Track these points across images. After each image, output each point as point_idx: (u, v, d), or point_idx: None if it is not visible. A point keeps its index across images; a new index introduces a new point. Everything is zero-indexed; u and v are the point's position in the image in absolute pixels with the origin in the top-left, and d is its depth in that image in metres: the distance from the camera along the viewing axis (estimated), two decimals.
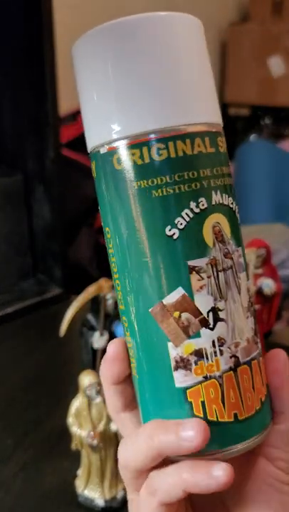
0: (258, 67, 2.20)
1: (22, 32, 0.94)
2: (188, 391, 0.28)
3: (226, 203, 0.29)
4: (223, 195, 0.29)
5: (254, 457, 0.31)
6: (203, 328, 0.28)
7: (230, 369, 0.28)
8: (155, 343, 0.29)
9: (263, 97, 2.25)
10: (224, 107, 2.32)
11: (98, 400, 0.53)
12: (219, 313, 0.28)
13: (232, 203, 0.29)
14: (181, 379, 0.28)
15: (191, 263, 0.28)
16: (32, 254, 1.07)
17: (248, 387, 0.29)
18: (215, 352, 0.28)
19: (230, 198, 0.29)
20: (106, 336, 0.68)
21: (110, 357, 0.30)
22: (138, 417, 0.31)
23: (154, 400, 0.29)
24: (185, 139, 0.28)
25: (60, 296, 1.03)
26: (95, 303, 0.68)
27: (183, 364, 0.28)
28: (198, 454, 0.27)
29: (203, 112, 0.29)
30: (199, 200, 0.28)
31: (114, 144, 0.28)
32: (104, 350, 0.44)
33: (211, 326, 0.28)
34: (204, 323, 0.28)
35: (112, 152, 0.28)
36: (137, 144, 0.28)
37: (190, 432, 0.26)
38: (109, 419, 0.53)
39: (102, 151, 0.29)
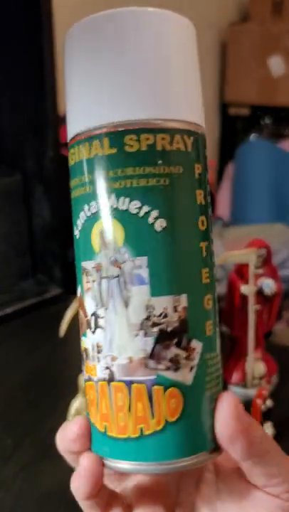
0: (257, 67, 2.20)
1: (22, 32, 0.94)
2: (86, 383, 0.29)
3: (124, 208, 0.27)
4: (124, 199, 0.27)
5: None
6: (88, 329, 0.28)
7: (105, 380, 0.27)
8: None
9: (262, 97, 2.25)
10: (224, 106, 2.32)
11: None
12: (99, 320, 0.28)
13: (138, 208, 0.26)
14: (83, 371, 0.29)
15: (82, 264, 0.28)
16: (31, 255, 1.06)
17: (121, 407, 0.27)
18: (94, 357, 0.28)
19: (137, 202, 0.26)
20: None
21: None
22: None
23: None
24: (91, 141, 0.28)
25: (59, 296, 1.03)
26: None
27: (83, 357, 0.29)
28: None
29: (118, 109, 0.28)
30: (91, 204, 0.28)
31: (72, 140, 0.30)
32: None
33: (92, 330, 0.28)
34: (88, 325, 0.28)
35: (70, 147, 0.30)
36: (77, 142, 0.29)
37: (72, 427, 0.29)
38: None
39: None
